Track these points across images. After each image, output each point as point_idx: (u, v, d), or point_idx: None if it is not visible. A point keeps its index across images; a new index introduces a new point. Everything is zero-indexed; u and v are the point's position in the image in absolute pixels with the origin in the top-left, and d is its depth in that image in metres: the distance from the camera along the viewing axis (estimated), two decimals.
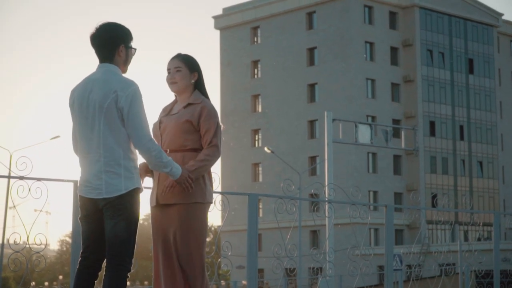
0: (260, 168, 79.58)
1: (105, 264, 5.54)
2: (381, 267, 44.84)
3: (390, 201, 73.39)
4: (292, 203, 8.80)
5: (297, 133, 76.89)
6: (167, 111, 6.27)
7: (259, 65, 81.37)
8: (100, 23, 5.64)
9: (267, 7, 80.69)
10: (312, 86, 77.27)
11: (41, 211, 7.35)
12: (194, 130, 6.08)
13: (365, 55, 76.11)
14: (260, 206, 73.38)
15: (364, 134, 33.35)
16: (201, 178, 6.05)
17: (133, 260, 5.55)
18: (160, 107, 6.36)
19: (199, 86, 6.25)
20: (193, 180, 5.88)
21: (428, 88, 78.63)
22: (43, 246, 6.79)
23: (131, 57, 5.73)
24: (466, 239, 66.62)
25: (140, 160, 5.73)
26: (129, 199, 5.50)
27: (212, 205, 6.30)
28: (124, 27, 5.69)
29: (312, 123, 76.69)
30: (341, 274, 33.96)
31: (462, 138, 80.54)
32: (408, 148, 40.14)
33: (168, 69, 6.22)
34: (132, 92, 5.49)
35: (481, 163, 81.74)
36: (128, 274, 5.53)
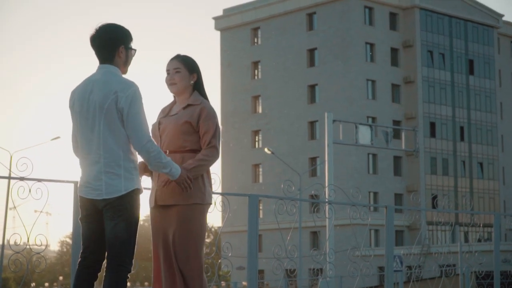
0: (261, 169, 79.58)
1: (105, 265, 5.54)
2: (381, 268, 44.84)
3: (390, 202, 73.37)
4: (292, 204, 8.80)
5: (298, 134, 76.89)
6: (166, 112, 6.27)
7: (259, 66, 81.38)
8: (99, 24, 5.64)
9: (267, 8, 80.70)
10: (312, 87, 77.27)
11: (41, 212, 7.35)
12: (193, 131, 6.08)
13: (365, 56, 76.10)
14: (261, 207, 73.37)
15: (364, 135, 33.35)
16: (201, 179, 6.05)
17: (133, 261, 5.56)
18: (161, 107, 6.37)
19: (198, 87, 6.25)
20: (192, 181, 5.89)
21: (428, 89, 78.63)
22: (43, 247, 6.79)
23: (131, 58, 5.73)
24: (466, 240, 66.59)
25: (140, 160, 5.73)
26: (129, 200, 5.50)
27: (212, 206, 6.30)
28: (124, 28, 5.69)
29: (312, 124, 76.70)
30: (341, 275, 33.98)
31: (462, 139, 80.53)
32: (408, 149, 40.16)
33: (167, 70, 6.22)
34: (132, 93, 5.50)
35: (481, 164, 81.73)
36: (128, 275, 5.54)
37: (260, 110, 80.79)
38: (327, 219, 27.01)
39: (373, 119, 74.81)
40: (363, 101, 75.04)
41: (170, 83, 6.20)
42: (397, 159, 76.87)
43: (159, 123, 6.22)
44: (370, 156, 75.09)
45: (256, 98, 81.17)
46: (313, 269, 54.79)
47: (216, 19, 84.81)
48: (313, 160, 75.57)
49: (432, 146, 78.05)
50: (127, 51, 5.68)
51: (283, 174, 73.13)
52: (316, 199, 54.56)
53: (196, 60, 6.27)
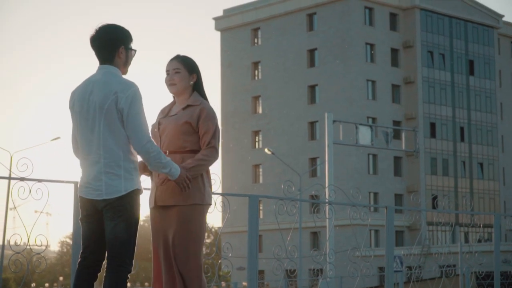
0: (261, 170, 79.58)
1: (105, 265, 5.55)
2: (381, 269, 44.85)
3: (391, 202, 73.36)
4: (292, 205, 8.80)
5: (298, 135, 76.89)
6: (166, 113, 6.27)
7: (259, 67, 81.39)
8: (99, 25, 5.65)
9: (267, 9, 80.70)
10: (312, 88, 77.27)
11: (41, 212, 7.35)
12: (193, 131, 6.08)
13: (365, 57, 76.10)
14: (261, 208, 73.38)
15: (364, 135, 33.35)
16: (200, 180, 6.05)
17: (133, 261, 5.56)
18: (161, 108, 6.37)
19: (197, 87, 6.25)
20: (190, 181, 5.89)
21: (428, 89, 78.63)
22: (43, 247, 6.79)
23: (131, 59, 5.74)
24: (466, 240, 66.61)
25: (139, 160, 5.74)
26: (129, 200, 5.50)
27: (212, 207, 6.30)
28: (124, 29, 5.69)
29: (312, 124, 76.70)
30: (341, 275, 33.98)
31: (462, 139, 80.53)
32: (408, 149, 40.16)
33: (167, 71, 6.22)
34: (132, 93, 5.50)
35: (481, 164, 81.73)
36: (129, 275, 5.54)
37: (260, 110, 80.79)
38: (327, 220, 27.01)
39: (373, 119, 74.81)
40: (363, 101, 75.05)
41: (170, 83, 6.20)
42: (397, 159, 76.87)
43: (158, 123, 6.22)
44: (370, 156, 75.09)
45: (256, 98, 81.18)
46: (313, 269, 54.78)
47: (216, 19, 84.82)
48: (313, 160, 75.56)
49: (432, 147, 78.05)
50: (127, 51, 5.69)
51: (283, 174, 73.14)
52: (316, 199, 54.57)
53: (196, 61, 6.28)
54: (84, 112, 5.56)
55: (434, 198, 68.43)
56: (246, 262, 8.06)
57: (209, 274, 6.32)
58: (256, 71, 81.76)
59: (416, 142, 37.48)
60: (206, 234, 6.15)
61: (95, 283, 5.64)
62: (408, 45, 78.19)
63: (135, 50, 5.74)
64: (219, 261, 9.99)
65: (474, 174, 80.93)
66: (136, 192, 5.56)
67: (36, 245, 6.79)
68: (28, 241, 6.75)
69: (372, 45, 76.54)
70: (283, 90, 78.47)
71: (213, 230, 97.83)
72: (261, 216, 72.00)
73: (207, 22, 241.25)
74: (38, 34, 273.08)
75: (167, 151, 6.06)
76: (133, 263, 5.57)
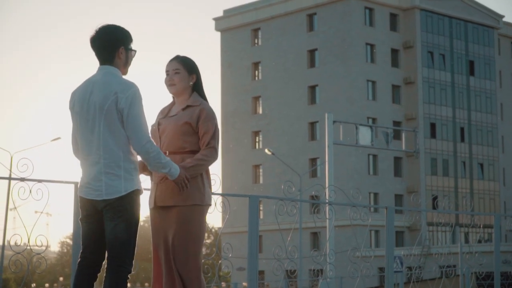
0: (261, 170, 79.59)
1: (105, 265, 5.55)
2: (381, 269, 44.84)
3: (391, 203, 73.36)
4: (292, 205, 8.81)
5: (298, 135, 76.90)
6: (165, 113, 6.27)
7: (259, 67, 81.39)
8: (99, 26, 5.65)
9: (267, 9, 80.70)
10: (312, 88, 77.28)
11: (42, 212, 7.36)
12: (193, 132, 6.08)
13: (365, 57, 76.10)
14: (261, 208, 73.38)
15: (364, 136, 33.33)
16: (200, 180, 6.05)
17: (133, 261, 5.56)
18: (161, 108, 6.37)
19: (197, 88, 6.25)
20: (189, 180, 5.89)
21: (428, 90, 78.63)
22: (43, 248, 6.79)
23: (131, 59, 5.74)
24: (466, 241, 66.57)
25: (139, 160, 5.74)
26: (129, 200, 5.51)
27: (212, 207, 6.30)
28: (124, 29, 5.70)
29: (312, 125, 76.70)
30: (341, 276, 33.98)
31: (462, 140, 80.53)
32: (408, 150, 40.12)
33: (167, 71, 6.23)
34: (132, 94, 5.51)
35: (481, 165, 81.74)
36: (129, 276, 5.54)
37: (260, 110, 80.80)
38: (327, 220, 27.00)
39: (374, 120, 74.82)
40: (363, 102, 75.06)
41: (170, 84, 6.20)
42: (397, 160, 76.88)
43: (158, 123, 6.22)
44: (371, 157, 75.09)
45: (256, 99, 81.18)
46: (314, 270, 54.79)
47: (216, 20, 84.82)
48: (313, 161, 75.56)
49: (432, 147, 78.05)
50: (127, 52, 5.69)
51: (283, 175, 73.15)
52: (316, 200, 54.58)
53: (196, 61, 6.28)
54: (84, 112, 5.57)
55: (434, 198, 68.43)
56: (246, 263, 8.06)
57: (209, 275, 6.32)
58: (256, 72, 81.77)
59: (416, 143, 37.46)
60: (206, 234, 6.15)
61: (95, 284, 5.64)
62: (408, 45, 78.20)
63: (135, 51, 5.74)
64: (219, 261, 9.98)
65: (474, 174, 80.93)
66: (136, 192, 5.57)
67: (36, 245, 6.79)
68: (29, 241, 6.75)
69: (372, 46, 76.55)
70: (283, 91, 78.48)
71: (213, 230, 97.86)
72: (261, 217, 72.01)
73: (207, 23, 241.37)
74: (38, 35, 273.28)
75: (167, 152, 6.06)
76: (133, 264, 5.57)
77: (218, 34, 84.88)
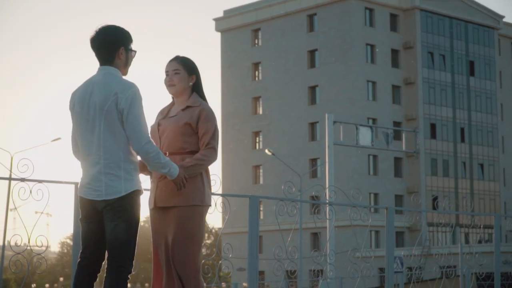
0: (261, 170, 79.59)
1: (105, 265, 5.55)
2: (381, 269, 44.83)
3: (391, 203, 73.35)
4: (293, 205, 8.80)
5: (298, 135, 76.90)
6: (165, 114, 6.27)
7: (260, 67, 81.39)
8: (99, 26, 5.66)
9: (268, 9, 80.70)
10: (313, 88, 77.28)
11: (42, 213, 7.36)
12: (193, 132, 6.08)
13: (366, 57, 76.10)
14: (261, 208, 73.38)
15: (365, 136, 33.33)
16: (200, 181, 6.05)
17: (133, 262, 5.56)
18: (160, 109, 6.37)
19: (197, 88, 6.25)
20: (187, 180, 5.89)
21: (429, 90, 78.63)
22: (44, 248, 6.79)
23: (131, 60, 5.74)
24: (467, 241, 66.57)
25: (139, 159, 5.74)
26: (129, 201, 5.51)
27: (212, 207, 6.30)
28: (124, 30, 5.70)
29: (313, 125, 76.70)
30: (341, 276, 33.96)
31: (463, 140, 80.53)
32: (408, 150, 40.13)
33: (166, 72, 6.22)
34: (132, 94, 5.51)
35: (482, 165, 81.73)
36: (129, 276, 5.54)
37: (260, 111, 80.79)
38: (327, 220, 27.00)
39: (374, 120, 74.81)
40: (363, 102, 75.05)
41: (169, 84, 6.20)
42: (397, 160, 76.87)
43: (158, 124, 6.22)
44: (371, 157, 75.08)
45: (256, 99, 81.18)
46: (314, 270, 54.79)
47: (216, 20, 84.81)
48: (313, 161, 75.56)
49: (432, 147, 78.04)
50: (127, 52, 5.69)
51: (283, 175, 73.13)
52: (316, 200, 54.54)
53: (196, 62, 6.28)
54: (84, 113, 5.57)
55: (435, 199, 68.44)
56: (246, 263, 8.06)
57: (209, 275, 6.32)
58: (257, 72, 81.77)
59: (417, 143, 37.46)
60: (206, 235, 6.15)
61: (95, 284, 5.64)
62: (408, 46, 78.19)
63: (135, 51, 5.75)
64: (220, 262, 9.98)
65: (474, 175, 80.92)
66: (136, 193, 5.57)
67: (37, 245, 6.79)
68: (29, 241, 6.75)
69: (372, 46, 76.54)
70: (284, 91, 78.48)
71: (213, 231, 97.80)
72: (262, 217, 72.01)
73: (207, 23, 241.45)
74: (39, 35, 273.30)
75: (167, 152, 6.06)
76: (134, 264, 5.57)
77: (218, 34, 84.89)
